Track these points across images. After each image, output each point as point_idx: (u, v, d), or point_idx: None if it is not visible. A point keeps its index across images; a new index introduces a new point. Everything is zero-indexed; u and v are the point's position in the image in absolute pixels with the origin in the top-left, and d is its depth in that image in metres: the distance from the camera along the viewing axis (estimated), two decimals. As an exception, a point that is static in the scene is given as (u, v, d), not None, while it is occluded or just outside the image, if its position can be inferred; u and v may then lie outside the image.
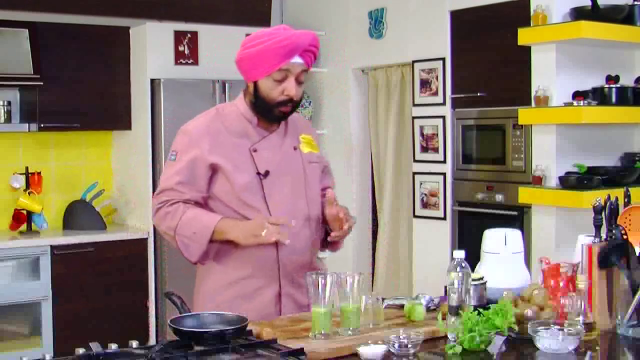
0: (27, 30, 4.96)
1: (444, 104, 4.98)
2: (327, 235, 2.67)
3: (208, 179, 2.59)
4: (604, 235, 2.44)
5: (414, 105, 5.20)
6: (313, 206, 2.66)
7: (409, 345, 2.07)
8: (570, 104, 4.08)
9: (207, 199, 2.61)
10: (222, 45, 5.42)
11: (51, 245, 4.85)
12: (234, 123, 2.62)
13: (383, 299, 2.55)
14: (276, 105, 2.56)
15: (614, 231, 2.42)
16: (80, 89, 5.17)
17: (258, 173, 2.57)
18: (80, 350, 1.96)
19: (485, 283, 2.45)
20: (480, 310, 2.14)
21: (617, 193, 2.62)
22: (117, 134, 5.57)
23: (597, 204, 2.45)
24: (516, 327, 2.17)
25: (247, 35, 5.75)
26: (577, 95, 4.12)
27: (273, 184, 2.58)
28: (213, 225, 2.50)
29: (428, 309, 2.48)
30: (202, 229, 2.51)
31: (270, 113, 2.59)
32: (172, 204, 2.57)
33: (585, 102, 4.05)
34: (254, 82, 2.59)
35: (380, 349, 2.04)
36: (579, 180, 4.09)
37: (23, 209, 5.12)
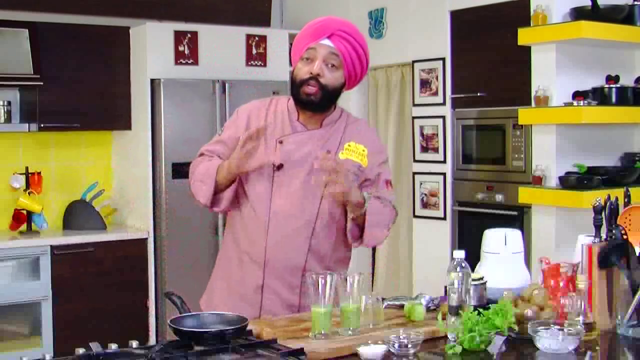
0: (27, 30, 4.96)
1: (444, 104, 4.98)
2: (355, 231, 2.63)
3: None
4: (604, 235, 2.44)
5: (414, 105, 5.20)
6: (324, 211, 2.60)
7: (409, 345, 2.07)
8: (570, 104, 4.08)
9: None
10: (222, 45, 5.42)
11: (51, 245, 4.85)
12: (277, 114, 2.67)
13: (383, 299, 2.55)
14: (301, 84, 2.57)
15: (614, 231, 2.42)
16: (80, 89, 5.17)
17: (273, 164, 2.59)
18: (80, 350, 1.96)
19: (485, 283, 2.45)
20: (480, 310, 2.14)
21: (617, 193, 2.62)
22: (117, 134, 5.57)
23: (597, 204, 2.45)
24: (516, 327, 2.17)
25: (247, 35, 5.78)
26: (577, 95, 4.12)
27: (285, 178, 2.59)
28: (217, 163, 2.61)
29: (428, 309, 2.48)
30: (208, 169, 2.62)
31: (298, 96, 2.60)
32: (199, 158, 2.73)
33: (585, 102, 4.05)
34: (292, 70, 2.65)
35: (380, 349, 2.04)
36: (579, 180, 4.09)
37: (23, 209, 5.12)
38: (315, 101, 2.57)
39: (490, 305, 2.19)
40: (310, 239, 2.60)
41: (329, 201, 2.58)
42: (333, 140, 2.65)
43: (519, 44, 4.27)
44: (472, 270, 2.35)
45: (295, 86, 2.60)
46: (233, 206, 2.66)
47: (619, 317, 2.31)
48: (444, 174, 4.99)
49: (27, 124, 5.09)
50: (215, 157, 2.68)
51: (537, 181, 4.24)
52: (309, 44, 2.57)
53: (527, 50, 4.34)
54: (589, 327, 2.24)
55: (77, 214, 5.28)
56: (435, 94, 5.03)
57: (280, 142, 2.61)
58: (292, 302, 2.60)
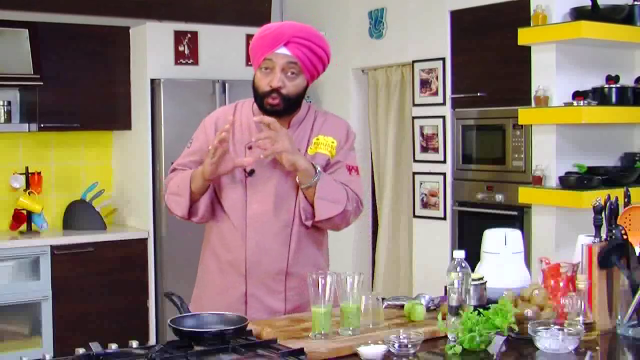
0: (27, 30, 4.96)
1: (444, 104, 4.97)
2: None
3: None
4: (604, 235, 2.44)
5: (414, 105, 5.20)
6: (299, 212, 2.58)
7: (409, 345, 2.07)
8: (570, 104, 4.08)
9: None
10: (222, 45, 5.42)
11: (51, 245, 4.85)
12: (243, 118, 2.66)
13: (383, 299, 2.55)
14: (263, 96, 2.55)
15: (614, 231, 2.42)
16: (80, 89, 5.18)
17: (244, 170, 2.58)
18: (80, 350, 1.96)
19: (485, 283, 2.45)
20: (480, 310, 2.14)
21: (617, 193, 2.62)
22: (117, 134, 5.57)
23: (597, 204, 2.45)
24: (516, 327, 2.17)
25: (247, 35, 5.78)
26: (577, 95, 4.11)
27: (258, 184, 2.58)
28: (190, 173, 2.60)
29: (428, 309, 2.48)
30: (182, 180, 2.61)
31: (261, 106, 2.58)
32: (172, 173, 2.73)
33: (585, 102, 4.05)
34: (254, 75, 2.63)
35: (380, 349, 2.04)
36: (579, 180, 4.09)
37: (23, 209, 5.12)
38: (280, 110, 2.57)
39: (490, 305, 2.19)
40: (289, 242, 2.59)
41: (303, 200, 2.56)
42: (302, 139, 2.64)
43: (519, 44, 4.26)
44: (472, 270, 2.35)
45: (258, 97, 2.58)
46: (210, 216, 2.64)
47: (619, 317, 2.31)
48: (444, 174, 4.99)
49: (27, 124, 5.10)
50: (187, 170, 2.66)
51: (537, 181, 4.24)
52: (265, 55, 2.53)
53: (527, 50, 4.33)
54: (589, 327, 2.25)
55: (77, 214, 5.28)
56: (435, 94, 5.03)
57: (250, 148, 2.60)
58: (277, 309, 2.59)
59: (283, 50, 2.53)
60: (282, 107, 2.56)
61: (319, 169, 2.54)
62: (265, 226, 2.57)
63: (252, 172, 2.58)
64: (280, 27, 2.56)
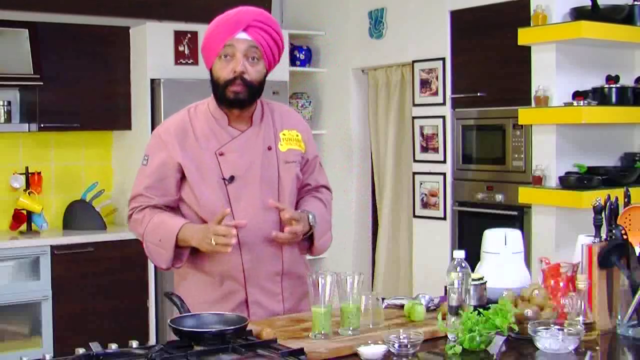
0: (27, 30, 4.96)
1: (444, 104, 4.98)
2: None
3: (177, 181, 2.55)
4: (604, 235, 2.44)
5: (414, 105, 5.20)
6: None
7: (409, 345, 2.07)
8: (570, 104, 4.08)
9: (180, 201, 2.59)
10: (222, 45, 5.41)
11: (51, 245, 4.85)
12: (203, 124, 2.57)
13: (383, 299, 2.55)
14: (226, 84, 2.49)
15: (614, 231, 2.42)
16: (80, 89, 5.17)
17: (223, 178, 2.51)
18: (80, 350, 1.96)
19: (485, 283, 2.45)
20: (480, 310, 2.14)
21: (617, 193, 2.62)
22: (117, 134, 5.57)
23: (597, 204, 2.45)
24: (516, 327, 2.17)
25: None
26: (577, 95, 4.12)
27: (240, 189, 2.51)
28: (176, 231, 2.47)
29: (428, 309, 2.48)
30: (167, 235, 2.49)
31: (224, 96, 2.51)
32: (141, 209, 2.58)
33: (585, 102, 4.05)
34: (210, 69, 2.57)
35: (380, 349, 2.04)
36: (579, 180, 4.09)
37: (23, 209, 5.12)
38: (243, 99, 2.51)
39: (490, 305, 2.19)
40: (281, 245, 2.57)
41: (287, 199, 2.58)
42: (268, 135, 2.60)
43: (519, 44, 4.26)
44: (472, 270, 2.35)
45: (220, 87, 2.52)
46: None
47: (619, 317, 2.31)
48: (444, 174, 4.99)
49: (27, 124, 5.10)
50: (155, 200, 2.54)
51: (537, 181, 4.24)
52: (225, 41, 2.47)
53: (527, 50, 4.34)
54: (589, 327, 2.24)
55: (77, 214, 5.28)
56: (435, 94, 5.03)
57: (221, 154, 2.53)
58: (276, 311, 2.57)
59: (243, 35, 2.48)
60: (246, 95, 2.50)
61: (312, 220, 2.55)
62: (256, 233, 2.51)
63: (232, 179, 2.51)
64: (239, 12, 2.51)
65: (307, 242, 2.63)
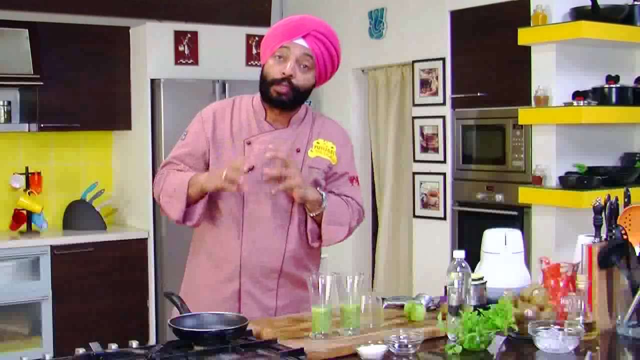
0: (27, 30, 4.96)
1: (444, 104, 4.98)
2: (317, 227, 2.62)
3: (205, 156, 2.61)
4: (604, 235, 2.44)
5: (414, 105, 5.20)
6: (296, 212, 2.59)
7: (409, 345, 2.07)
8: (570, 104, 4.08)
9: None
10: (222, 45, 5.42)
11: (51, 245, 4.85)
12: (242, 114, 2.63)
13: (383, 299, 2.55)
14: (272, 82, 2.52)
15: (614, 231, 2.42)
16: (80, 89, 5.18)
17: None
18: (80, 350, 1.96)
19: (485, 283, 2.45)
20: (480, 310, 2.14)
21: (617, 193, 2.62)
22: (117, 134, 5.57)
23: (597, 204, 2.45)
24: (516, 327, 2.17)
25: (247, 35, 5.78)
26: (577, 95, 4.12)
27: (256, 180, 2.53)
28: (189, 178, 2.53)
29: (428, 309, 2.48)
30: (180, 183, 2.54)
31: (267, 94, 2.54)
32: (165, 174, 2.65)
33: (585, 102, 4.05)
34: (263, 65, 2.60)
35: (380, 349, 2.04)
36: (579, 180, 4.09)
37: (23, 209, 5.12)
38: (286, 101, 2.54)
39: (490, 305, 2.19)
40: (285, 241, 2.58)
41: (309, 221, 2.57)
42: (302, 139, 2.62)
43: (519, 44, 4.26)
44: (472, 270, 2.35)
45: (266, 84, 2.55)
46: (204, 218, 2.61)
47: (619, 317, 2.31)
48: (444, 174, 4.99)
49: (27, 124, 5.10)
50: (181, 166, 2.61)
51: (537, 181, 4.24)
52: (283, 42, 2.51)
53: (527, 50, 4.34)
54: (589, 327, 2.24)
55: (77, 214, 5.28)
56: (435, 94, 5.03)
57: (249, 143, 2.57)
58: (269, 306, 2.58)
59: (301, 42, 2.52)
60: (290, 97, 2.53)
61: (325, 195, 2.55)
62: (262, 225, 2.55)
63: (251, 169, 2.51)
64: (302, 18, 2.56)
65: (319, 229, 2.60)
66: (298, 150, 2.60)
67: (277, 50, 2.52)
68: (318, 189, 2.57)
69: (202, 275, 2.64)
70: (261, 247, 2.56)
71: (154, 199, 2.77)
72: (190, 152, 2.63)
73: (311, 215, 2.57)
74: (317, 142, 2.65)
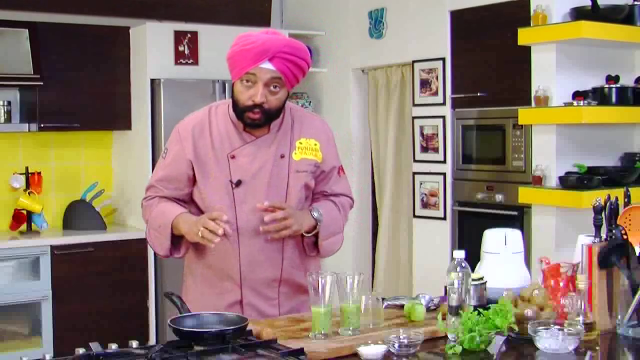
0: (27, 30, 4.96)
1: (444, 104, 4.98)
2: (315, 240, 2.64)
3: (189, 177, 2.58)
4: (604, 235, 2.44)
5: (414, 105, 5.20)
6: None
7: (409, 345, 2.07)
8: (570, 104, 4.08)
9: (190, 196, 2.62)
10: (222, 45, 5.36)
11: (51, 245, 4.85)
12: (220, 125, 2.59)
13: (383, 299, 2.55)
14: (244, 110, 2.49)
15: (614, 231, 2.42)
16: (80, 89, 5.18)
17: (230, 181, 2.53)
18: (80, 350, 1.96)
19: (485, 283, 2.45)
20: (480, 310, 2.14)
21: (617, 193, 2.62)
22: (117, 134, 5.57)
23: (597, 204, 2.44)
24: (516, 327, 2.17)
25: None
26: (577, 95, 4.12)
27: (246, 193, 2.52)
28: (172, 218, 2.52)
29: (428, 309, 2.48)
30: (164, 222, 2.54)
31: (241, 118, 2.52)
32: (151, 198, 2.64)
33: (585, 102, 4.05)
34: (233, 84, 2.57)
35: (380, 349, 2.04)
36: (579, 180, 4.09)
37: (23, 209, 5.12)
38: (259, 124, 2.52)
39: (490, 305, 2.19)
40: (282, 250, 2.58)
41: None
42: (284, 143, 2.59)
43: (519, 44, 4.26)
44: (472, 270, 2.35)
45: (238, 109, 2.52)
46: (191, 248, 2.60)
47: (619, 317, 2.31)
48: (444, 174, 4.99)
49: (27, 124, 5.10)
50: (166, 192, 2.59)
51: (537, 181, 4.24)
52: (249, 68, 2.45)
53: (527, 50, 4.34)
54: (589, 327, 2.24)
55: (77, 214, 5.28)
56: (435, 94, 5.03)
57: (233, 157, 2.55)
58: (270, 314, 2.58)
59: (267, 65, 2.44)
60: (263, 121, 2.51)
61: (317, 215, 2.56)
62: (258, 237, 2.53)
63: (239, 183, 2.53)
64: (265, 42, 2.45)
65: (314, 242, 2.63)
66: (282, 156, 2.57)
67: (244, 76, 2.48)
68: (311, 211, 2.57)
69: (202, 287, 2.63)
70: (260, 258, 2.55)
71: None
72: (171, 176, 2.60)
73: (307, 236, 2.59)
74: (300, 143, 2.62)
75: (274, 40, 2.47)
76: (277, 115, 2.56)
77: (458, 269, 2.19)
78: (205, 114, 2.64)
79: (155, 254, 2.67)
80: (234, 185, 2.53)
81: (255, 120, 2.50)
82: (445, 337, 2.17)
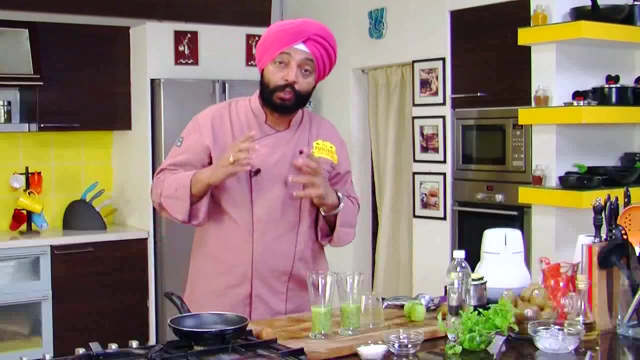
0: (27, 30, 4.96)
1: (444, 104, 4.97)
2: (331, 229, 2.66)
3: (204, 165, 2.59)
4: (604, 235, 2.44)
5: (414, 105, 5.20)
6: (305, 214, 2.61)
7: (409, 345, 2.07)
8: (570, 104, 4.08)
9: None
10: (222, 45, 5.42)
11: (51, 245, 4.85)
12: (241, 117, 2.62)
13: (383, 299, 2.55)
14: (275, 89, 2.52)
15: (614, 231, 2.42)
16: (80, 89, 5.18)
17: (250, 170, 2.54)
18: (80, 350, 1.96)
19: (485, 283, 2.45)
20: (480, 310, 2.14)
21: (617, 193, 2.62)
22: (117, 134, 5.57)
23: (597, 204, 2.45)
24: (516, 327, 2.17)
25: (247, 35, 5.78)
26: (577, 95, 4.11)
27: (263, 183, 2.55)
28: (190, 176, 2.51)
29: (428, 309, 2.48)
30: (182, 183, 2.52)
31: (270, 100, 2.55)
32: (161, 179, 2.63)
33: (585, 102, 4.05)
34: (262, 70, 2.59)
35: (380, 349, 2.04)
36: (579, 180, 4.09)
37: (23, 209, 5.12)
38: (289, 106, 2.55)
39: (490, 305, 2.19)
40: (295, 243, 2.59)
41: (308, 202, 2.59)
42: (302, 140, 2.64)
43: (519, 44, 4.26)
44: (472, 270, 2.35)
45: (269, 90, 2.55)
46: (208, 217, 2.59)
47: (619, 317, 2.31)
48: (444, 174, 4.99)
49: (27, 124, 5.10)
50: (179, 171, 2.58)
51: (537, 181, 4.24)
52: (283, 49, 2.51)
53: (527, 50, 4.33)
54: (589, 327, 2.24)
55: (77, 214, 5.28)
56: (435, 94, 5.03)
57: None
58: (278, 309, 2.59)
59: (301, 47, 2.51)
60: (292, 102, 2.54)
61: (341, 196, 2.59)
62: (272, 228, 2.56)
63: (257, 172, 2.55)
64: (302, 23, 2.54)
65: (328, 227, 2.64)
66: (301, 152, 2.60)
67: (278, 57, 2.52)
68: (336, 191, 2.60)
69: (209, 281, 2.63)
70: (273, 250, 2.56)
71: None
72: (187, 161, 2.60)
73: (323, 214, 2.59)
74: (317, 143, 2.67)
75: (310, 23, 2.56)
76: (305, 101, 2.60)
77: (458, 269, 2.19)
78: (225, 106, 2.68)
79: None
80: (252, 174, 2.54)
81: (286, 100, 2.53)
82: (445, 337, 2.17)
